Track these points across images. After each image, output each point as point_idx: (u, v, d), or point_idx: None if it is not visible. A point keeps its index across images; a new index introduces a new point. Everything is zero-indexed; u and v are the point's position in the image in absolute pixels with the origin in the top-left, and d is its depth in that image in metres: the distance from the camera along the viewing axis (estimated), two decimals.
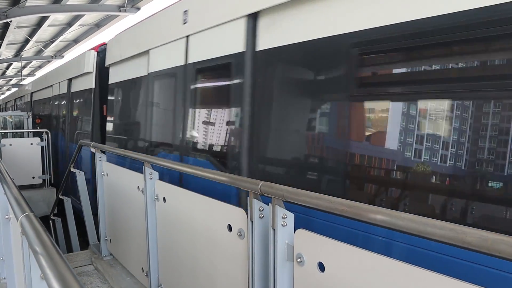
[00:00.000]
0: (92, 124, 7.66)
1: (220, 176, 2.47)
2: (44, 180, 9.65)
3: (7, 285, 3.48)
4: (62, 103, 10.11)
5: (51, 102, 11.38)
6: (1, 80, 44.48)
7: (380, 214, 1.57)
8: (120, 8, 16.66)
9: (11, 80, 44.00)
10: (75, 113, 9.10)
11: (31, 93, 14.96)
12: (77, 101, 8.89)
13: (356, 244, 1.71)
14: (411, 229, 1.48)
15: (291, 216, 2.00)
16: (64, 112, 9.93)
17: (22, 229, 1.52)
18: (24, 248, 1.56)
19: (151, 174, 3.26)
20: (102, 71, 7.37)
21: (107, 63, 6.99)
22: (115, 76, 6.71)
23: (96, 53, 7.68)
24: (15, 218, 2.03)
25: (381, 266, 1.60)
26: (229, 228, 2.37)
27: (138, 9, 16.72)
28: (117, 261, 4.39)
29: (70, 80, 9.23)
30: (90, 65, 7.68)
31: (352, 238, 2.56)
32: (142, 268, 3.66)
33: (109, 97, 6.98)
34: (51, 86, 11.26)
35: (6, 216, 2.76)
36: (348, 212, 1.66)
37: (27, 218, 1.55)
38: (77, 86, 8.79)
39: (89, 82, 7.83)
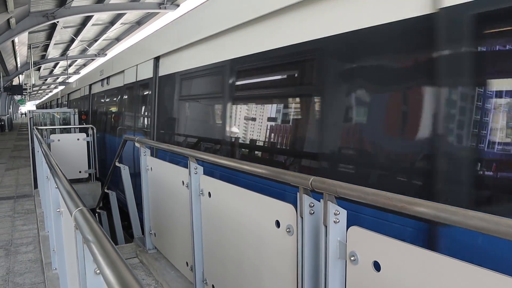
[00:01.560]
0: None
1: (268, 171, 2.41)
2: (90, 174, 9.99)
3: (59, 275, 3.60)
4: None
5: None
6: (49, 78, 46.61)
7: (444, 212, 1.46)
8: (160, 5, 16.99)
9: (58, 78, 46.08)
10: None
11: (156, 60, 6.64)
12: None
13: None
14: (481, 228, 1.37)
15: (343, 213, 1.92)
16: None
17: (76, 223, 1.52)
18: (78, 242, 1.56)
19: (195, 168, 3.25)
20: None
21: None
22: None
23: None
24: (67, 212, 2.07)
25: (444, 267, 1.49)
26: (277, 224, 2.31)
27: (178, 5, 16.98)
28: (161, 255, 4.45)
29: None
30: None
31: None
32: (187, 262, 3.68)
33: None
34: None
35: (58, 210, 2.83)
36: (408, 210, 1.56)
37: (80, 213, 1.55)
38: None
39: None
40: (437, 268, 1.51)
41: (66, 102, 19.92)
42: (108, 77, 10.36)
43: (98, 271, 1.31)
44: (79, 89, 15.24)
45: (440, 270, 1.50)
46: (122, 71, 8.91)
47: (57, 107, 23.16)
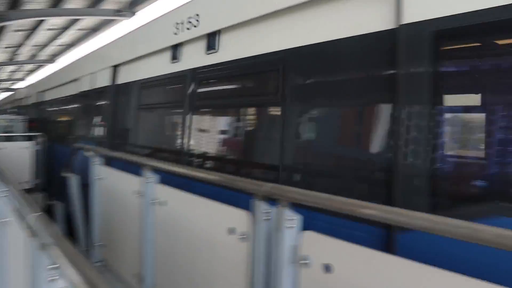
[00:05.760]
0: None
1: (223, 178, 2.41)
2: (36, 184, 9.50)
3: None
4: None
5: None
6: None
7: (400, 216, 1.52)
8: (116, 12, 16.65)
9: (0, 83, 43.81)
10: None
11: None
12: None
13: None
14: (428, 228, 1.44)
15: (298, 218, 1.95)
16: None
17: (31, 230, 1.46)
18: (32, 249, 1.48)
19: (150, 177, 3.19)
20: None
21: None
22: None
23: None
24: (17, 221, 1.95)
25: (391, 266, 1.56)
26: (232, 231, 2.31)
27: (134, 13, 16.72)
28: (109, 267, 4.30)
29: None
30: None
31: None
32: (137, 274, 3.57)
33: None
34: None
35: (3, 219, 2.64)
36: (363, 214, 1.62)
37: (38, 218, 1.49)
38: None
39: None
40: (385, 267, 1.58)
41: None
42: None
43: (57, 277, 1.25)
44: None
45: (388, 269, 1.56)
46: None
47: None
